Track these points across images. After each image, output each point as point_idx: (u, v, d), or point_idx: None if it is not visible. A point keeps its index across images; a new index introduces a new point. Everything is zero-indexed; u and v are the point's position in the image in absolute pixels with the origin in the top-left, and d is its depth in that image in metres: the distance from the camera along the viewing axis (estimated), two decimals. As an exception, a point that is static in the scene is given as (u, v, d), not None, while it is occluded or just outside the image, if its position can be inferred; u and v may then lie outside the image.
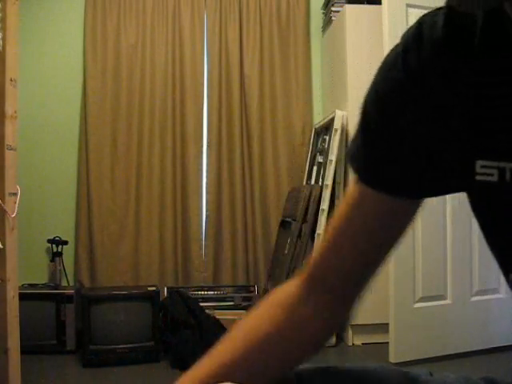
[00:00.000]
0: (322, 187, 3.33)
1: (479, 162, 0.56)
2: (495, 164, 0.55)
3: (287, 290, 0.73)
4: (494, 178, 0.55)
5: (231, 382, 0.63)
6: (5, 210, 2.02)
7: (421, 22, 0.60)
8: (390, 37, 2.85)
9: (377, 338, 3.24)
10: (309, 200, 3.35)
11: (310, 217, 3.30)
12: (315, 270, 0.71)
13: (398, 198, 0.65)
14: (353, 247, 0.68)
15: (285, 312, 0.70)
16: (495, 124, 0.55)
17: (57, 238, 3.55)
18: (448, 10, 0.57)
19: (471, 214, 0.62)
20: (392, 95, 0.61)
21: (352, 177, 0.69)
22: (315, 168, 3.64)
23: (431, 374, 0.74)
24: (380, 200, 0.65)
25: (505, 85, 0.54)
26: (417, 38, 0.59)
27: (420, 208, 0.68)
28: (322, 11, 3.97)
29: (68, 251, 3.64)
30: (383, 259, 0.70)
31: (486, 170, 0.56)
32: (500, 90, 0.54)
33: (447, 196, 2.83)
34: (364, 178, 0.66)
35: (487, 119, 0.56)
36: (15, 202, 2.09)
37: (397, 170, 0.63)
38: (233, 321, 3.37)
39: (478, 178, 0.57)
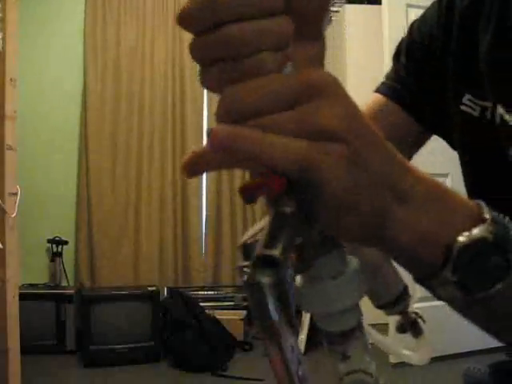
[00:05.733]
0: (321, 187, 3.33)
1: (467, 96, 0.62)
2: (479, 102, 0.61)
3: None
4: (476, 113, 0.61)
5: None
6: (5, 210, 2.02)
7: None
8: (390, 37, 2.85)
9: (377, 338, 3.24)
10: (309, 200, 3.34)
11: (309, 217, 3.30)
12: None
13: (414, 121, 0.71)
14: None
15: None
16: (484, 66, 0.60)
17: (57, 238, 3.55)
18: None
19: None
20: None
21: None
22: (315, 168, 3.65)
23: None
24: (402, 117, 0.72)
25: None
26: None
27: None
28: (322, 11, 3.96)
29: (68, 251, 3.64)
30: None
31: (470, 104, 0.62)
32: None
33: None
34: (396, 97, 0.72)
35: (478, 61, 0.61)
36: (15, 202, 2.09)
37: (424, 96, 0.69)
38: (233, 321, 3.38)
39: (462, 108, 0.63)
